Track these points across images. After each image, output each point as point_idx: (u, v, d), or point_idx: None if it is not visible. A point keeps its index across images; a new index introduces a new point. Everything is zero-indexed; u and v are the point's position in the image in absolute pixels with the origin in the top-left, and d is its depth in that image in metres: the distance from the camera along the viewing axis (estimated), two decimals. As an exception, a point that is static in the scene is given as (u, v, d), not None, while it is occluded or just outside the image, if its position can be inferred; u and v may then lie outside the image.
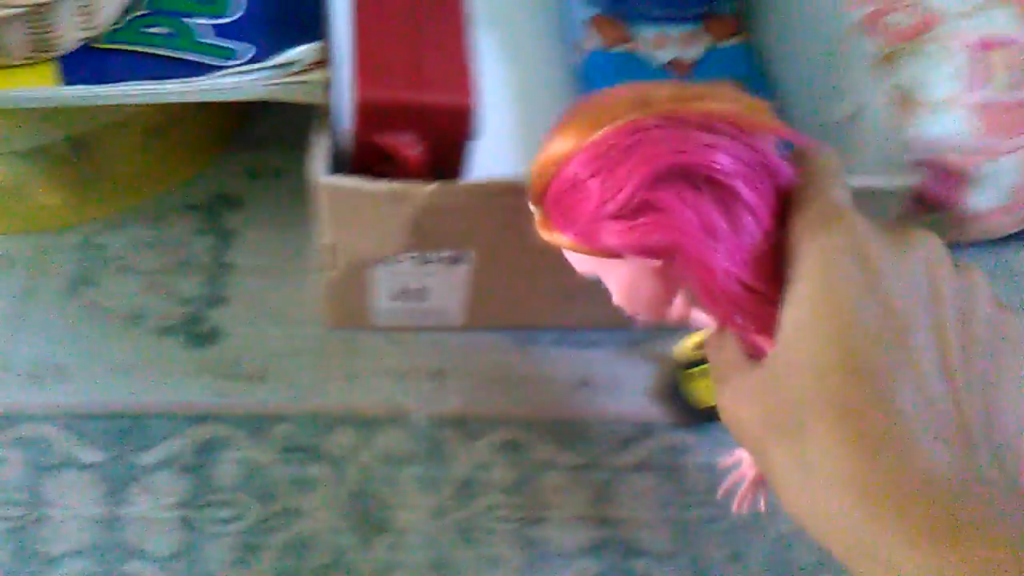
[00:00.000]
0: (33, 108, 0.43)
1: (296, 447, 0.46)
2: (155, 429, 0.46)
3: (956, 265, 0.31)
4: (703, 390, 0.46)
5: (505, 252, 0.46)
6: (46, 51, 0.41)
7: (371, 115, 0.40)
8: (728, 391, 0.32)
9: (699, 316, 0.33)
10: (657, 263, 0.32)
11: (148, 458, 0.45)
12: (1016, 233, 0.56)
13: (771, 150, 0.32)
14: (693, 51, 0.60)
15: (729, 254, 0.30)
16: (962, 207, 0.52)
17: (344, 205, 0.42)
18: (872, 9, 0.55)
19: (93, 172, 0.51)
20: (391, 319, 0.49)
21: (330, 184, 0.41)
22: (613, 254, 0.32)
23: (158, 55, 0.42)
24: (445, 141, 0.42)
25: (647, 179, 0.30)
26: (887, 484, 0.26)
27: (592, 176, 0.32)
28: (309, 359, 0.49)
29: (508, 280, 0.48)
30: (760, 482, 0.40)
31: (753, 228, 0.31)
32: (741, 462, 0.41)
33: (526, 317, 0.51)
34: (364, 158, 0.42)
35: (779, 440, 0.28)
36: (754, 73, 0.59)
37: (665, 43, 0.60)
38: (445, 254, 0.45)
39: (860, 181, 0.45)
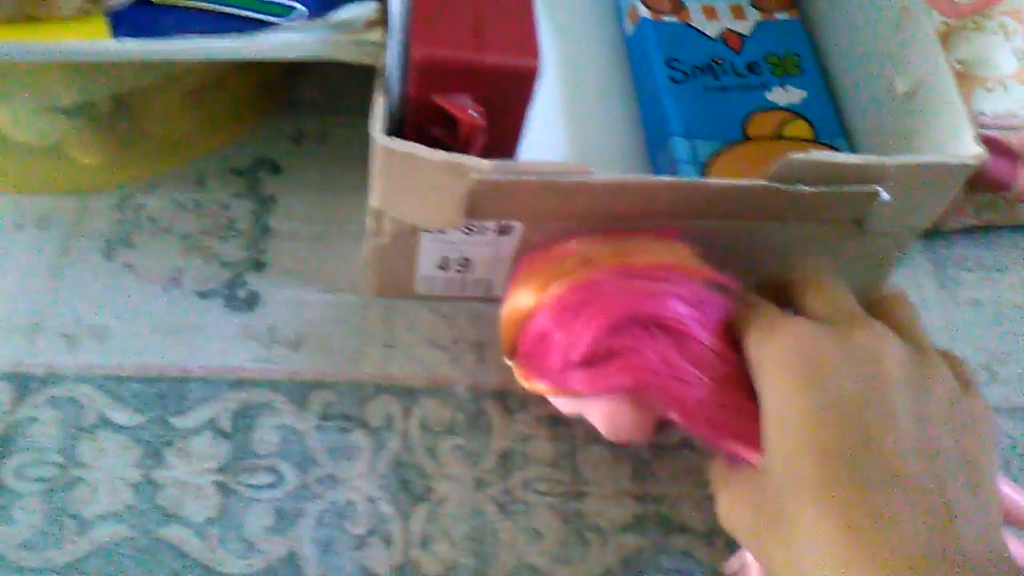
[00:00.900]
0: (80, 63, 0.42)
1: (335, 414, 0.45)
2: (193, 392, 0.45)
3: (917, 349, 0.34)
4: None
5: (551, 224, 0.45)
6: (97, 4, 0.40)
7: (429, 74, 0.39)
8: (723, 497, 0.35)
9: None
10: (631, 401, 0.36)
11: (186, 422, 0.45)
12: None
13: (705, 289, 0.37)
14: (745, 23, 0.59)
15: (695, 383, 0.34)
16: (1018, 186, 0.51)
17: (398, 170, 0.40)
18: (934, -17, 0.53)
19: (134, 132, 0.50)
20: (433, 288, 0.48)
21: (387, 146, 0.40)
22: (589, 396, 0.36)
23: (212, 10, 0.41)
24: (504, 105, 0.41)
25: (603, 329, 0.34)
26: (866, 559, 0.28)
27: (555, 330, 0.36)
28: (349, 327, 0.48)
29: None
30: None
31: (709, 356, 0.35)
32: (746, 565, 0.40)
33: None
34: (420, 121, 0.41)
35: (769, 530, 0.31)
36: (806, 47, 0.58)
37: (716, 14, 0.59)
38: (493, 225, 0.44)
39: (919, 158, 0.44)
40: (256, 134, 0.54)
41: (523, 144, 0.45)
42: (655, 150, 0.55)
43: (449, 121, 0.40)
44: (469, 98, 0.40)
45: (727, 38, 0.58)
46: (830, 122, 0.55)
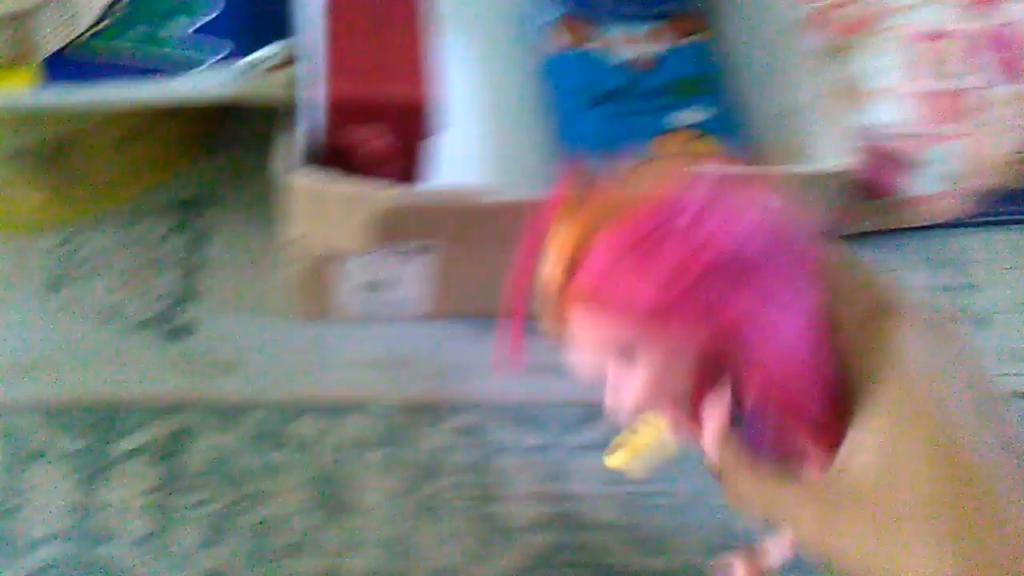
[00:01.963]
0: (13, 111, 0.45)
1: (265, 434, 0.48)
2: (130, 419, 0.48)
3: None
4: None
5: (470, 244, 0.48)
6: (27, 55, 0.43)
7: (342, 109, 0.43)
8: (788, 492, 0.31)
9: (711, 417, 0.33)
10: (698, 355, 0.31)
11: (123, 446, 0.47)
12: (963, 218, 0.58)
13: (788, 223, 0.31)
14: (656, 48, 0.62)
15: (785, 354, 0.30)
16: (905, 191, 0.54)
17: (311, 202, 0.44)
18: (822, 4, 0.57)
19: (72, 175, 0.53)
20: (359, 310, 0.51)
21: (297, 182, 0.43)
22: (655, 341, 0.31)
23: (136, 58, 0.44)
24: (410, 132, 0.44)
25: (704, 270, 0.29)
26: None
27: (639, 266, 0.30)
28: (279, 350, 0.51)
29: (472, 270, 0.50)
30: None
31: (799, 312, 0.30)
32: (732, 565, 0.39)
33: (489, 306, 0.53)
34: (336, 150, 0.44)
35: (855, 540, 0.29)
36: (712, 68, 0.61)
37: (630, 41, 0.62)
38: (412, 245, 0.47)
39: (803, 168, 0.47)
40: (192, 170, 0.57)
41: (446, 166, 0.48)
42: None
43: (362, 150, 0.43)
44: (379, 128, 0.43)
45: (639, 63, 0.61)
46: (735, 138, 0.58)
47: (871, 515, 0.29)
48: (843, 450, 0.29)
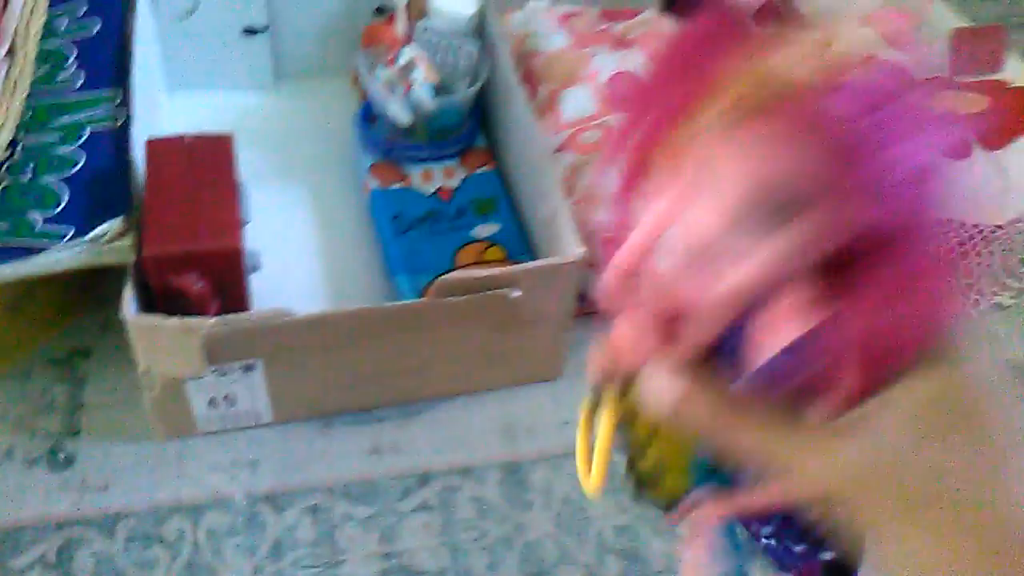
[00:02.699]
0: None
1: (138, 536, 0.58)
2: (25, 538, 0.57)
3: None
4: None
5: (290, 357, 0.59)
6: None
7: (157, 264, 0.54)
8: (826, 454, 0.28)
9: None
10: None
11: (20, 562, 0.56)
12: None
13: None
14: (454, 180, 0.76)
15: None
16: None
17: (148, 338, 0.55)
18: (572, 131, 0.72)
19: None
20: (212, 424, 0.62)
21: (135, 322, 0.54)
22: (825, 205, 0.25)
23: (6, 243, 0.56)
24: (222, 276, 0.56)
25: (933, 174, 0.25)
26: None
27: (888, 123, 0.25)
28: (147, 467, 0.61)
29: (301, 379, 0.61)
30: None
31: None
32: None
33: (325, 406, 0.64)
34: (164, 296, 0.56)
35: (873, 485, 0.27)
36: (501, 191, 0.75)
37: (432, 177, 0.76)
38: (237, 365, 0.58)
39: (537, 263, 0.60)
40: (72, 326, 0.68)
41: (285, 288, 0.60)
42: (392, 286, 0.71)
43: (185, 294, 0.55)
44: (195, 275, 0.55)
45: (441, 193, 0.75)
46: (519, 245, 0.71)
47: (905, 448, 0.27)
48: (873, 402, 0.27)
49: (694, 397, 0.29)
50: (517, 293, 0.59)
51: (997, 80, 0.80)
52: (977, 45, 0.82)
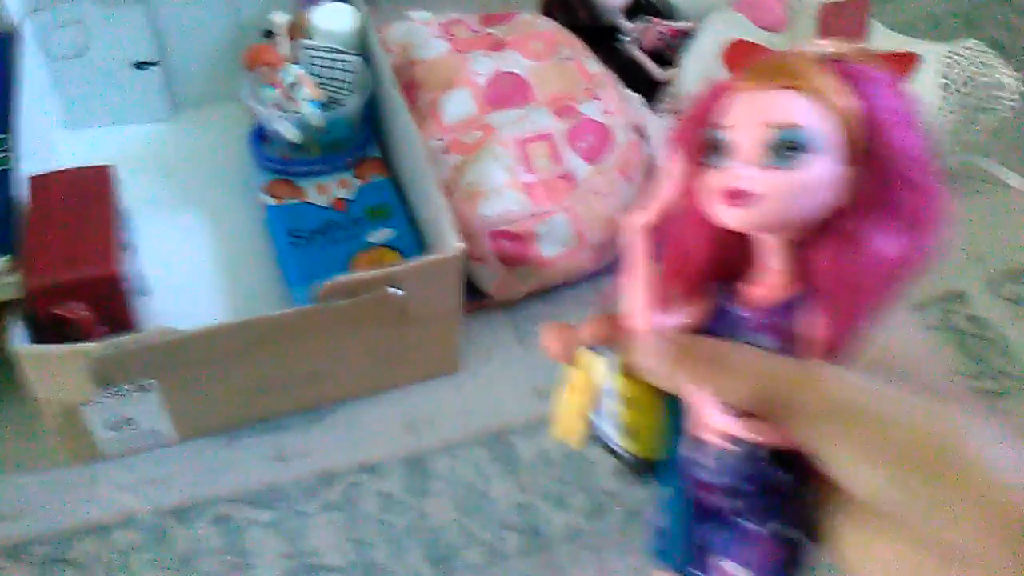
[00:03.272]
0: None
1: (51, 560, 0.59)
2: (-62, 576, 0.58)
3: None
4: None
5: (186, 375, 0.61)
6: None
7: (39, 296, 0.56)
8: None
9: None
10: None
11: (-66, 599, 0.58)
12: (608, 267, 0.74)
13: None
14: (349, 190, 0.78)
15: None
16: (537, 258, 0.70)
17: (39, 366, 0.56)
18: (451, 136, 0.74)
19: None
20: (116, 447, 0.63)
21: (23, 352, 0.56)
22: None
23: None
24: (105, 302, 0.58)
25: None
26: None
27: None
28: (56, 493, 0.62)
29: (199, 395, 0.63)
30: None
31: None
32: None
33: (228, 419, 0.66)
34: (50, 325, 0.57)
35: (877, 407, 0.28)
36: (395, 198, 0.77)
37: (327, 189, 0.78)
38: (131, 387, 0.60)
39: (418, 260, 0.62)
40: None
41: (183, 305, 0.62)
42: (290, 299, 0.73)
43: (70, 322, 0.57)
44: (77, 303, 0.57)
45: (336, 204, 0.77)
46: (414, 248, 0.73)
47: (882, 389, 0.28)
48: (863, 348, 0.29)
49: (679, 354, 0.31)
50: (400, 292, 0.61)
51: (862, 47, 0.84)
52: (843, 16, 0.85)
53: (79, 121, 0.85)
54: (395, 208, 0.77)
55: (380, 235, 0.75)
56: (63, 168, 0.64)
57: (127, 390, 0.59)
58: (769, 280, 0.31)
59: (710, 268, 0.32)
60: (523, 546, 0.61)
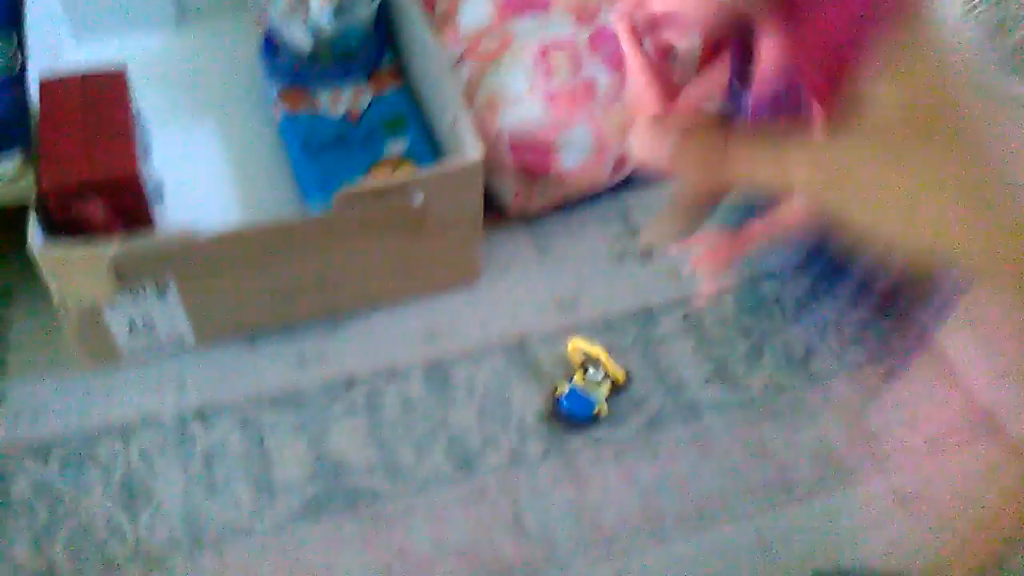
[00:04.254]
0: None
1: (75, 459, 0.59)
2: (-40, 475, 0.59)
3: None
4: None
5: (204, 277, 0.61)
6: None
7: (57, 196, 0.55)
8: (801, 154, 0.30)
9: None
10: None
11: (-43, 497, 0.58)
12: (625, 181, 0.74)
13: None
14: (363, 101, 0.77)
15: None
16: (557, 169, 0.69)
17: (59, 266, 0.56)
18: (467, 45, 0.73)
19: None
20: (136, 351, 0.63)
21: (43, 252, 0.55)
22: None
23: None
24: (124, 202, 0.57)
25: None
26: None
27: None
28: (76, 396, 0.62)
29: (217, 298, 0.63)
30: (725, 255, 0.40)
31: None
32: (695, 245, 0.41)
33: (247, 324, 0.66)
34: (68, 225, 0.57)
35: (874, 177, 0.29)
36: (411, 108, 0.76)
37: (340, 99, 0.77)
38: (150, 288, 0.59)
39: (438, 168, 0.61)
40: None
41: (194, 220, 0.61)
42: (305, 209, 0.72)
43: (89, 222, 0.56)
44: (97, 203, 0.56)
45: (350, 115, 0.76)
46: (430, 158, 0.73)
47: (892, 146, 0.29)
48: (859, 107, 0.30)
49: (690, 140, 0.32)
50: (419, 198, 0.61)
51: None
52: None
53: (86, 27, 0.83)
54: (411, 118, 0.76)
55: (396, 146, 0.74)
56: (75, 72, 0.63)
57: (146, 291, 0.59)
58: (759, 73, 0.32)
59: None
60: (544, 450, 0.61)
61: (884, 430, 0.63)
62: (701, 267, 0.40)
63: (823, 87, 0.30)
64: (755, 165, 0.31)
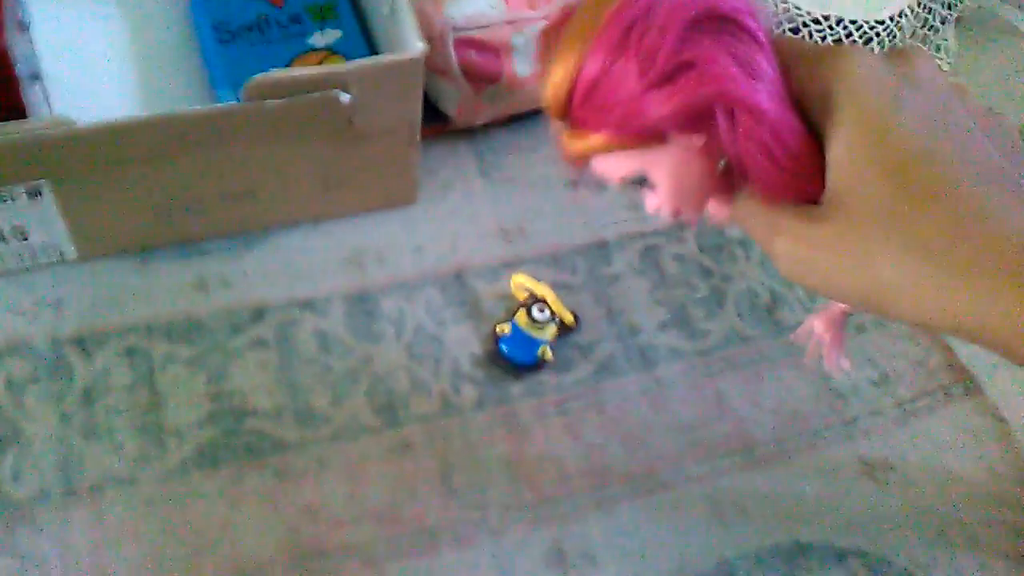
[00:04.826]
0: None
1: (-77, 391, 0.50)
2: None
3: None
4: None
5: (85, 180, 0.51)
6: None
7: None
8: (783, 242, 0.32)
9: (737, 207, 0.34)
10: (700, 140, 0.32)
11: None
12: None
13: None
14: (288, -22, 0.66)
15: (770, 95, 0.31)
16: (510, 75, 0.61)
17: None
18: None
19: None
20: (6, 262, 0.54)
21: None
22: (656, 135, 0.32)
23: None
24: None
25: (681, 31, 0.30)
26: (973, 250, 0.29)
27: (621, 57, 0.31)
28: (-69, 313, 0.53)
29: (102, 205, 0.53)
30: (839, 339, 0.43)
31: (773, 70, 0.32)
32: (814, 327, 0.44)
33: (139, 239, 0.56)
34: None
35: (845, 263, 0.30)
36: (344, -5, 0.66)
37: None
38: (21, 189, 0.49)
39: (371, 61, 0.52)
40: None
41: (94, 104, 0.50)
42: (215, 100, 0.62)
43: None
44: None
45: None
46: (361, 52, 0.63)
47: (841, 231, 0.30)
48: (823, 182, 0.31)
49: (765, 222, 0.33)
50: (347, 97, 0.52)
51: None
52: None
53: None
54: (343, 6, 0.65)
55: (324, 37, 0.64)
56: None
57: (17, 193, 0.49)
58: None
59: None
60: (479, 398, 0.54)
61: (853, 391, 0.57)
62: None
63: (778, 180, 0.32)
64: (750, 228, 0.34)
